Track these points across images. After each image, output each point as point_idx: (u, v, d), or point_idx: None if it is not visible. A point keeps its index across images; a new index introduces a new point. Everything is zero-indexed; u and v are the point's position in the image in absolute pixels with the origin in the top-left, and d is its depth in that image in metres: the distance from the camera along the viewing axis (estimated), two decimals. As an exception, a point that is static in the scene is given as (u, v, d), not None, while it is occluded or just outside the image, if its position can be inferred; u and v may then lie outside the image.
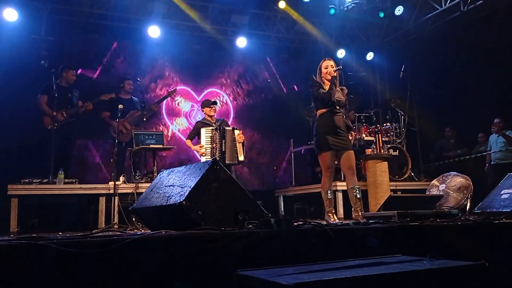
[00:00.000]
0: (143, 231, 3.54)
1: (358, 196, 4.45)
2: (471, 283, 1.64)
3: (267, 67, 9.04)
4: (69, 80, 6.23)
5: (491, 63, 6.91)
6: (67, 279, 1.85)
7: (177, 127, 8.11)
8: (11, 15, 6.41)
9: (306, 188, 7.05)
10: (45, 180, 5.20)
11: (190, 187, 2.57)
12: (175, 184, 2.82)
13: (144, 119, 6.32)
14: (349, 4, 7.45)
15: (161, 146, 5.76)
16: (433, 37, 7.87)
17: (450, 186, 5.30)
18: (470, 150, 7.39)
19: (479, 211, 3.92)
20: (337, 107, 4.54)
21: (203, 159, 5.52)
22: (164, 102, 7.68)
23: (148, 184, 4.57)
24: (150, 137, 5.71)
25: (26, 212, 5.22)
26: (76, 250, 1.86)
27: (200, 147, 5.58)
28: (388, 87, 8.85)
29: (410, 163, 6.72)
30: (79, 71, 7.04)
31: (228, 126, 5.86)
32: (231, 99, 8.65)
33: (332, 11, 7.57)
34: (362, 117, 6.99)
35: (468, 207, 5.01)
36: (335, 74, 4.55)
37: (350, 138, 4.66)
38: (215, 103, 5.94)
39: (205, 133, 5.59)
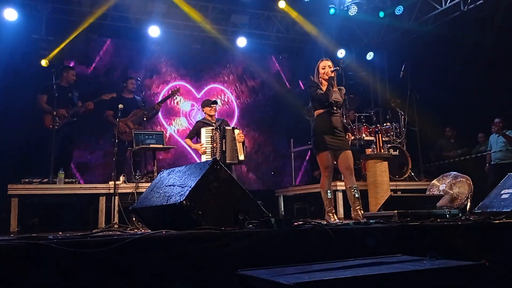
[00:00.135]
0: (143, 231, 3.54)
1: (357, 195, 4.45)
2: (472, 283, 1.64)
3: (267, 66, 9.05)
4: (69, 80, 6.23)
5: (491, 63, 6.90)
6: (68, 279, 1.85)
7: (176, 127, 8.10)
8: (11, 15, 6.41)
9: (306, 188, 7.06)
10: (46, 180, 5.19)
11: (190, 187, 2.57)
12: (175, 183, 2.82)
13: (145, 118, 6.32)
14: (349, 4, 7.45)
15: (161, 145, 5.76)
16: (433, 37, 7.86)
17: (451, 186, 5.29)
18: (470, 150, 7.40)
19: (479, 211, 3.92)
20: (335, 108, 4.53)
21: (203, 158, 5.52)
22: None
23: (148, 184, 4.58)
24: (150, 136, 5.71)
25: (26, 212, 5.22)
26: (77, 250, 1.86)
27: (201, 145, 5.58)
28: (388, 87, 8.84)
29: (410, 163, 6.72)
30: (79, 71, 7.04)
31: (228, 125, 5.87)
32: (230, 99, 8.65)
33: (332, 11, 7.58)
34: (362, 117, 6.98)
35: (468, 207, 5.01)
36: (333, 75, 4.52)
37: (348, 138, 4.66)
38: (215, 102, 5.94)
39: (205, 133, 5.59)
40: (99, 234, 2.67)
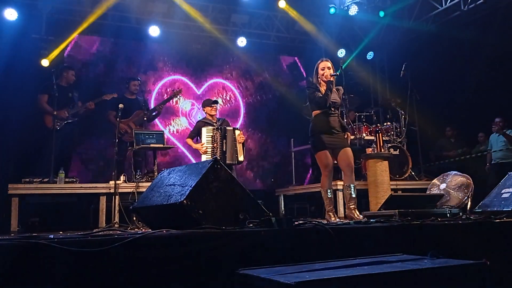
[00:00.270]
0: (144, 230, 3.54)
1: (353, 195, 4.45)
2: (472, 282, 1.64)
3: (267, 66, 9.04)
4: (69, 80, 6.23)
5: (491, 63, 6.90)
6: (68, 278, 1.85)
7: (175, 127, 8.09)
8: (11, 14, 6.41)
9: (307, 187, 7.05)
10: (46, 180, 5.19)
11: (191, 186, 2.57)
12: (176, 183, 2.82)
13: (145, 118, 6.32)
14: (349, 3, 7.45)
15: (161, 145, 5.76)
16: (433, 37, 7.86)
17: (451, 185, 5.28)
18: (471, 150, 7.40)
19: (480, 210, 3.91)
20: (332, 109, 4.53)
21: (203, 158, 5.52)
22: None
23: (148, 183, 4.58)
24: (151, 136, 5.72)
25: (27, 212, 5.23)
26: (77, 249, 1.86)
27: (201, 145, 5.58)
28: (388, 87, 8.84)
29: (411, 162, 6.72)
30: (79, 71, 7.04)
31: (229, 125, 5.87)
32: (229, 99, 8.66)
33: (332, 11, 7.58)
34: (362, 116, 6.98)
35: (468, 206, 5.00)
36: (332, 79, 4.49)
37: (347, 138, 4.64)
38: (216, 102, 5.94)
39: (206, 132, 5.59)
40: (100, 233, 2.68)
